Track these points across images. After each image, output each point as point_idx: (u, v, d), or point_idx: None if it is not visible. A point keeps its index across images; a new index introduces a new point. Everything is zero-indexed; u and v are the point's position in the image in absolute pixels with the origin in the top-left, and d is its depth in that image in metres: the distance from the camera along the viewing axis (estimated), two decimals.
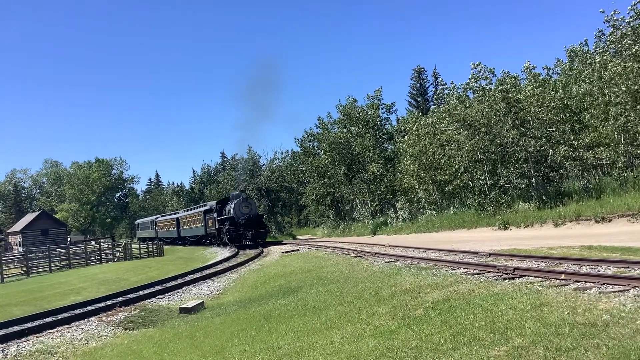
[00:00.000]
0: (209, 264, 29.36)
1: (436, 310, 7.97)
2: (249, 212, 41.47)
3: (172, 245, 61.69)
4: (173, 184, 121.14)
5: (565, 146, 29.79)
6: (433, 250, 19.63)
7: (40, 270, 32.44)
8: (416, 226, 36.77)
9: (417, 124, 41.09)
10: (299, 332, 8.44)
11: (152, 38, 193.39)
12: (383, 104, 49.53)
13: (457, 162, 34.36)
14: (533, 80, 31.79)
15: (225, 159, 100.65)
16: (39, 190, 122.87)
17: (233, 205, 42.08)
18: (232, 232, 40.86)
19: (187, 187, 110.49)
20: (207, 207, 48.75)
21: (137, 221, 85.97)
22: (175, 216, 63.64)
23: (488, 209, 31.19)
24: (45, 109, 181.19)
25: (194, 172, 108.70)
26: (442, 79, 63.43)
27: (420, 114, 49.82)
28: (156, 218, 73.95)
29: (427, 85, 66.14)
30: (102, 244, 49.18)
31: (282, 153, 79.83)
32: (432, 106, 50.89)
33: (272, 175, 72.40)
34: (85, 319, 13.96)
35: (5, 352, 10.85)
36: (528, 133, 30.52)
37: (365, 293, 10.89)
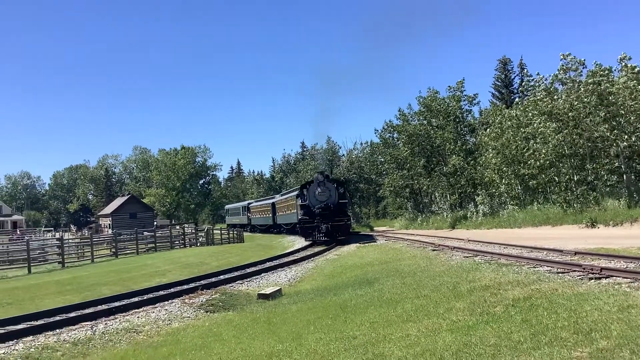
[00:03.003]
0: (286, 252, 29.84)
1: (517, 308, 7.78)
2: (326, 199, 33.81)
3: (267, 233, 56.72)
4: (253, 172, 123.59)
5: None
6: (514, 246, 19.14)
7: (128, 252, 34.05)
8: (497, 221, 35.86)
9: (501, 116, 39.98)
10: (374, 323, 8.45)
11: (234, 26, 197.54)
12: (465, 95, 48.41)
13: (542, 156, 33.17)
14: (629, 72, 30.15)
15: (305, 149, 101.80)
16: (128, 176, 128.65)
17: (308, 190, 35.08)
18: (303, 223, 34.38)
19: (267, 175, 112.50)
20: (298, 192, 39.46)
21: (227, 206, 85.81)
22: (271, 201, 55.98)
23: (574, 205, 29.97)
24: (136, 99, 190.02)
25: (273, 161, 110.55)
26: (527, 70, 61.13)
27: (504, 106, 48.41)
28: (249, 203, 68.73)
29: (512, 77, 64.07)
30: (185, 228, 50.94)
31: (361, 144, 79.98)
32: (517, 98, 49.33)
33: (351, 166, 72.60)
34: (169, 300, 14.57)
35: (94, 329, 11.48)
36: (620, 127, 29.04)
37: (442, 287, 10.76)
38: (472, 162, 44.56)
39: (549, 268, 12.64)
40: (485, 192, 41.36)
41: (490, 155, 38.89)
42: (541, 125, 33.11)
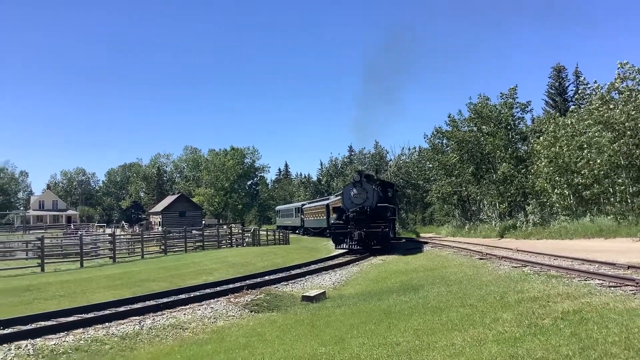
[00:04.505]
0: (331, 255, 29.80)
1: (566, 321, 7.60)
2: (362, 202, 29.76)
3: (320, 237, 53.10)
4: (301, 175, 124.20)
5: None
6: (565, 258, 18.65)
7: (177, 249, 34.72)
8: (547, 232, 34.98)
9: (554, 124, 39.02)
10: (418, 331, 8.38)
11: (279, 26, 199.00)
12: (517, 102, 47.38)
13: (597, 166, 32.22)
14: None
15: (352, 153, 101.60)
16: (179, 175, 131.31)
17: (344, 192, 31.58)
18: (334, 228, 30.83)
19: (314, 178, 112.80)
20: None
21: (278, 207, 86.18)
22: (325, 202, 52.84)
23: (630, 218, 28.99)
24: (187, 100, 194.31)
25: (321, 164, 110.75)
26: (584, 78, 59.40)
27: (558, 114, 47.24)
28: (302, 205, 66.32)
29: (566, 85, 62.54)
30: (233, 228, 51.58)
31: (409, 149, 79.57)
32: (572, 106, 48.07)
33: (399, 171, 72.23)
34: (215, 299, 14.77)
35: (142, 324, 11.73)
36: None
37: (489, 297, 10.59)
38: (522, 170, 43.64)
39: (601, 281, 12.31)
40: (536, 202, 40.43)
41: (542, 163, 37.99)
42: (597, 134, 32.21)
